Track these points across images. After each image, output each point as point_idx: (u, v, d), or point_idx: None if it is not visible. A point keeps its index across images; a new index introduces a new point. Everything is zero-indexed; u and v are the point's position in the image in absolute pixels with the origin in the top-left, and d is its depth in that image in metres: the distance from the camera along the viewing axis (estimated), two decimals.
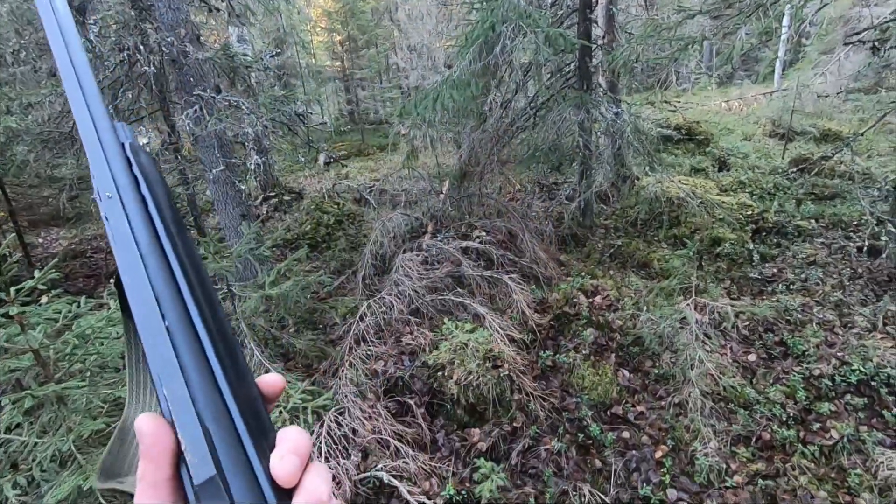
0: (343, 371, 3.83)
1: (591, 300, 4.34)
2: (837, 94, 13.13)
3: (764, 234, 6.40)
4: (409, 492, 2.80)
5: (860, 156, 9.42)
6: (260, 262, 4.08)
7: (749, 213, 6.76)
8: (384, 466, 3.04)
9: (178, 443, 0.29)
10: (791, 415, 3.47)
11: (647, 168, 5.45)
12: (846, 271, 5.19)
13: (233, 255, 3.85)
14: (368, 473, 3.04)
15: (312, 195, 10.12)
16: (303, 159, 7.12)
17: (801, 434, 3.34)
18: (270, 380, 0.37)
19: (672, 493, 3.08)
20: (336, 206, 8.92)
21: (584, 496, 3.04)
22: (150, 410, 0.35)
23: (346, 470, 3.06)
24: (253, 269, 4.70)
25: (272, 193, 11.27)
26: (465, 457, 3.37)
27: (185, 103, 4.86)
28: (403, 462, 3.09)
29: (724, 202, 7.02)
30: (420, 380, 3.81)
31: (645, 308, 4.29)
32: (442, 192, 7.37)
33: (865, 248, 5.53)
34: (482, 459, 3.14)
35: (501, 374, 3.51)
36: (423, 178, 7.49)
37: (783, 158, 10.13)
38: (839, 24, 16.65)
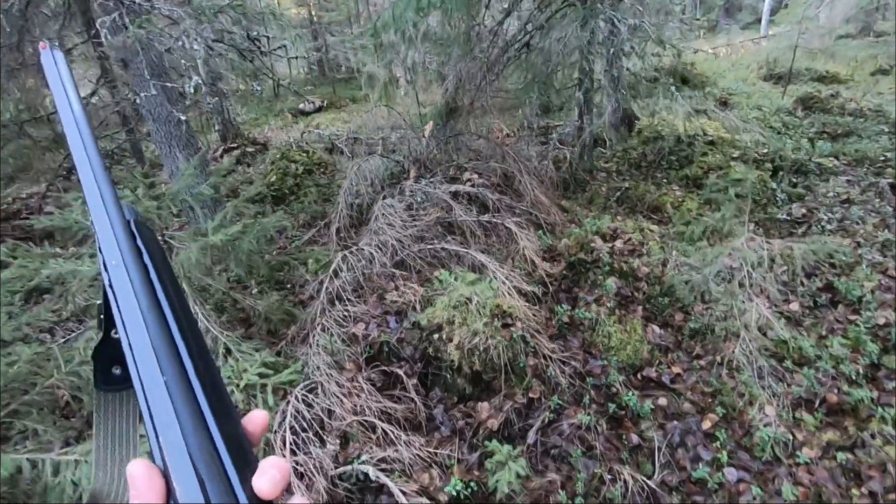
0: (314, 337, 3.07)
1: (610, 245, 3.64)
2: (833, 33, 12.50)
3: (783, 172, 5.77)
4: (401, 490, 2.11)
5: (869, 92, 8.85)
6: (205, 206, 3.22)
7: (765, 151, 6.11)
8: (369, 458, 2.34)
9: (167, 486, 0.32)
10: (860, 372, 2.89)
11: (664, 93, 4.68)
12: (887, 209, 4.61)
13: (166, 196, 2.97)
14: (349, 466, 2.34)
15: (279, 146, 9.10)
16: (258, 88, 6.05)
17: (875, 395, 2.76)
18: (255, 418, 0.40)
19: (731, 473, 2.47)
20: (305, 155, 7.92)
21: (625, 481, 2.41)
22: (118, 479, 0.40)
23: (320, 463, 2.35)
24: (201, 217, 3.83)
25: (234, 145, 10.15)
26: (471, 438, 2.69)
27: (101, 9, 3.82)
28: (394, 450, 2.39)
29: (736, 140, 6.35)
30: (410, 344, 3.09)
31: (675, 252, 3.62)
32: (425, 136, 6.47)
33: None
34: (494, 442, 2.47)
35: (514, 335, 2.80)
36: (403, 119, 6.55)
37: (783, 98, 9.48)
38: None
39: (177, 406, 0.34)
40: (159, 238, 2.50)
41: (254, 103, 15.09)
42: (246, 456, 0.35)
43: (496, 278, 3.10)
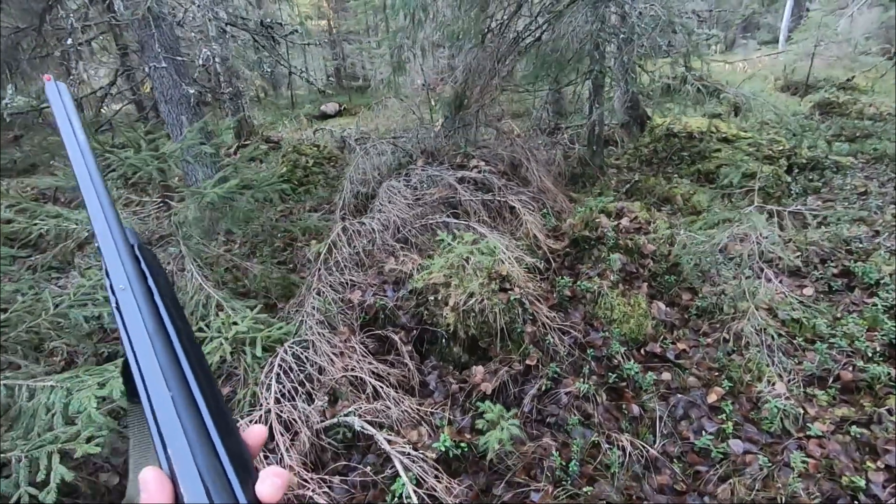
0: (309, 300, 3.02)
1: (616, 223, 3.55)
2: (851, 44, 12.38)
3: (798, 169, 5.64)
4: (387, 439, 2.02)
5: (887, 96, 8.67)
6: (205, 165, 3.21)
7: (780, 148, 5.99)
8: (357, 410, 2.26)
9: (175, 492, 0.34)
10: (877, 350, 2.74)
11: (683, 70, 4.60)
12: None
13: (167, 155, 2.98)
14: (335, 419, 2.26)
15: (291, 142, 9.20)
16: (268, 70, 6.11)
17: (894, 373, 2.61)
18: (254, 433, 0.43)
19: (737, 445, 2.34)
20: (315, 148, 7.99)
21: (624, 447, 2.29)
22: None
23: (306, 417, 2.27)
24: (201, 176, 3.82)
25: (247, 142, 10.30)
26: (464, 402, 2.60)
27: None
28: (384, 405, 2.31)
29: (751, 137, 6.24)
30: (406, 312, 3.02)
31: (682, 231, 3.52)
32: (436, 127, 6.46)
33: None
34: (487, 403, 2.37)
35: (511, 298, 2.72)
36: (412, 110, 6.57)
37: (801, 105, 9.33)
38: None
39: (182, 419, 0.36)
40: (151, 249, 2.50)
41: (271, 108, 15.42)
42: (246, 465, 0.37)
43: (497, 247, 3.03)
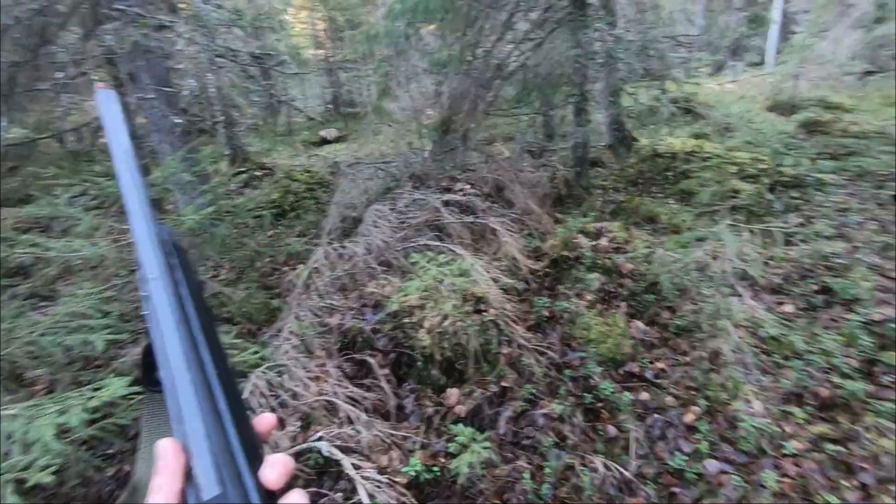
0: (287, 325, 3.03)
1: (594, 242, 3.58)
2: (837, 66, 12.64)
3: (782, 187, 5.70)
4: (354, 465, 2.01)
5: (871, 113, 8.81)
6: (186, 192, 3.26)
7: (764, 167, 6.07)
8: (327, 435, 2.24)
9: (188, 465, 0.37)
10: (854, 367, 2.73)
11: (660, 92, 4.69)
12: (886, 217, 4.49)
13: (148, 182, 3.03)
14: (305, 445, 2.25)
15: (284, 168, 9.32)
16: (257, 100, 6.24)
17: (871, 389, 2.60)
18: (264, 420, 0.46)
19: (711, 465, 2.32)
20: (307, 174, 8.10)
21: (597, 470, 2.27)
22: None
23: (276, 443, 2.26)
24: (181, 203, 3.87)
25: (241, 169, 10.42)
26: (439, 425, 2.58)
27: (105, 18, 4.04)
28: (354, 430, 2.29)
29: (735, 157, 6.32)
30: (385, 335, 3.03)
31: (660, 249, 3.55)
32: (425, 151, 6.56)
33: None
34: (459, 426, 2.36)
35: (485, 320, 2.73)
36: (402, 132, 6.68)
37: (787, 125, 9.47)
38: (833, 6, 16.22)
39: (200, 401, 0.38)
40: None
41: (268, 136, 15.66)
42: (256, 450, 0.39)
43: (473, 268, 3.05)
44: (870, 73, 6.44)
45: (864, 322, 3.02)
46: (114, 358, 3.28)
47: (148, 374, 0.46)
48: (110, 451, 2.56)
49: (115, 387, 1.71)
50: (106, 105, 0.55)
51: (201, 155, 3.32)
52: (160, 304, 0.43)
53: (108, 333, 2.43)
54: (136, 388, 2.22)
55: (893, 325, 2.93)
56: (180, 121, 4.16)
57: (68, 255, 2.82)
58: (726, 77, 18.60)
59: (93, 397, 1.74)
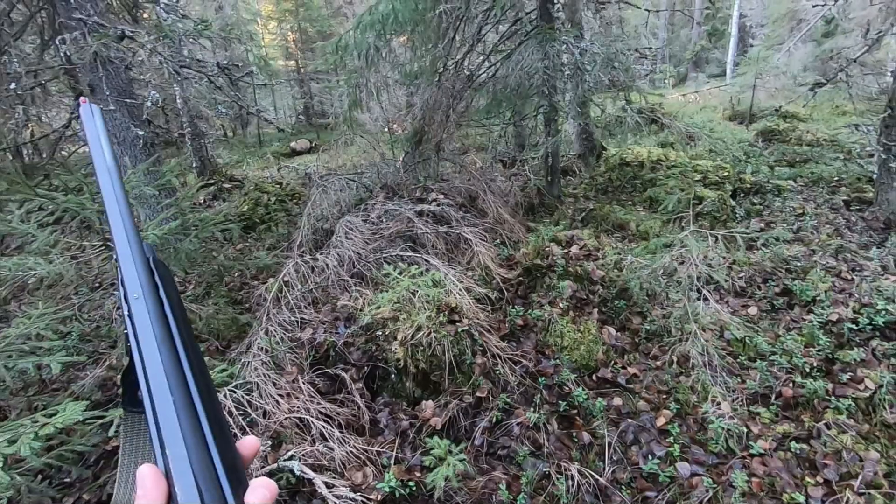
0: (256, 341, 2.95)
1: (566, 250, 3.63)
2: (793, 76, 13.24)
3: (743, 194, 5.92)
4: (326, 484, 1.96)
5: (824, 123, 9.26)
6: (149, 207, 3.16)
7: (726, 174, 6.29)
8: (298, 454, 2.19)
9: (169, 491, 0.36)
10: (814, 366, 2.84)
11: (625, 103, 4.81)
12: (840, 220, 4.70)
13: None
14: (276, 465, 2.18)
15: (254, 179, 9.16)
16: (223, 112, 6.13)
17: (830, 387, 2.70)
18: (248, 443, 0.44)
19: (683, 468, 2.36)
20: (278, 186, 7.97)
21: (573, 477, 2.27)
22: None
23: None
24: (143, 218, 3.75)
25: (210, 181, 10.19)
26: (414, 439, 2.55)
27: (63, 27, 3.91)
28: (325, 446, 2.24)
29: (699, 165, 6.54)
30: (358, 349, 2.98)
31: (630, 256, 3.62)
32: (398, 162, 6.56)
33: (851, 201, 5.14)
34: (435, 438, 2.34)
35: (460, 330, 2.72)
36: (373, 147, 6.66)
37: (746, 133, 9.88)
38: (785, 21, 17.07)
39: (182, 424, 0.37)
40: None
41: (238, 147, 15.40)
42: (238, 474, 0.38)
43: (446, 278, 3.05)
44: (820, 84, 6.78)
45: (822, 322, 3.14)
46: (72, 381, 3.13)
47: (128, 395, 0.45)
48: (67, 480, 2.43)
49: (70, 412, 1.63)
50: (89, 120, 0.55)
51: (166, 168, 3.23)
52: (142, 322, 0.42)
53: (65, 355, 2.32)
54: (94, 413, 2.12)
55: (848, 325, 3.06)
56: (143, 133, 4.04)
57: (22, 273, 2.69)
58: (689, 88, 19.31)
59: (46, 424, 1.65)
